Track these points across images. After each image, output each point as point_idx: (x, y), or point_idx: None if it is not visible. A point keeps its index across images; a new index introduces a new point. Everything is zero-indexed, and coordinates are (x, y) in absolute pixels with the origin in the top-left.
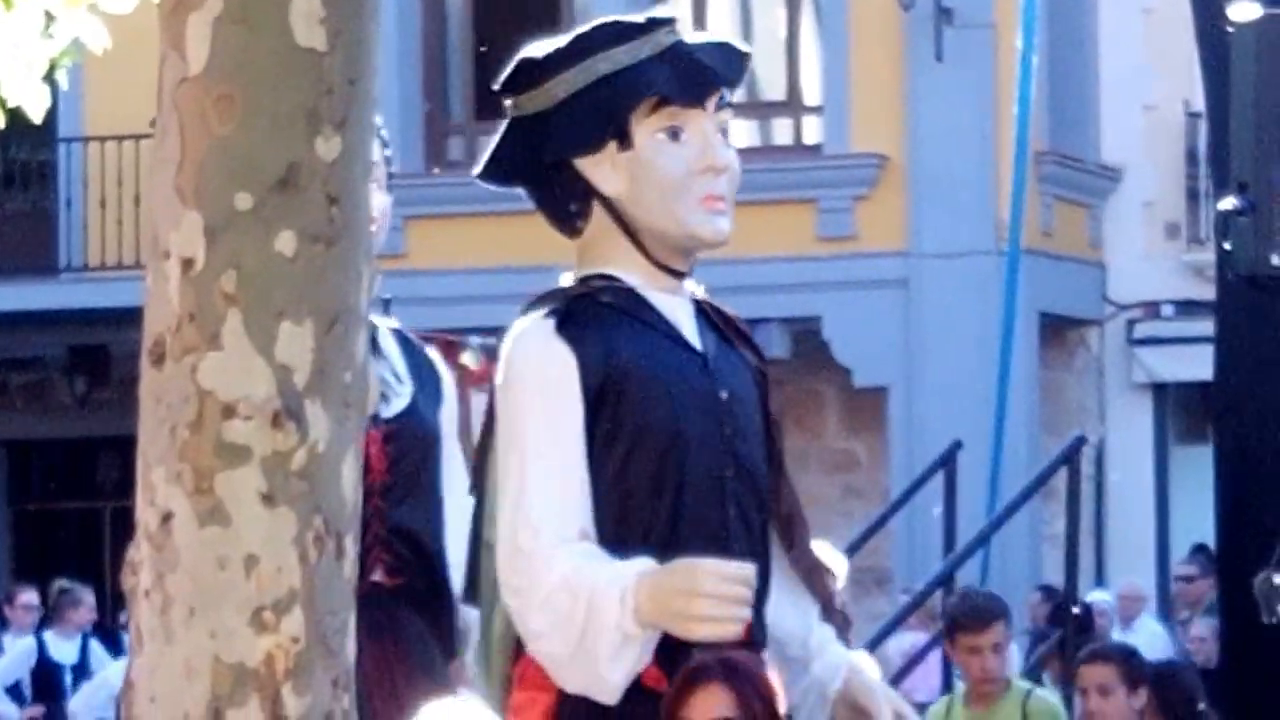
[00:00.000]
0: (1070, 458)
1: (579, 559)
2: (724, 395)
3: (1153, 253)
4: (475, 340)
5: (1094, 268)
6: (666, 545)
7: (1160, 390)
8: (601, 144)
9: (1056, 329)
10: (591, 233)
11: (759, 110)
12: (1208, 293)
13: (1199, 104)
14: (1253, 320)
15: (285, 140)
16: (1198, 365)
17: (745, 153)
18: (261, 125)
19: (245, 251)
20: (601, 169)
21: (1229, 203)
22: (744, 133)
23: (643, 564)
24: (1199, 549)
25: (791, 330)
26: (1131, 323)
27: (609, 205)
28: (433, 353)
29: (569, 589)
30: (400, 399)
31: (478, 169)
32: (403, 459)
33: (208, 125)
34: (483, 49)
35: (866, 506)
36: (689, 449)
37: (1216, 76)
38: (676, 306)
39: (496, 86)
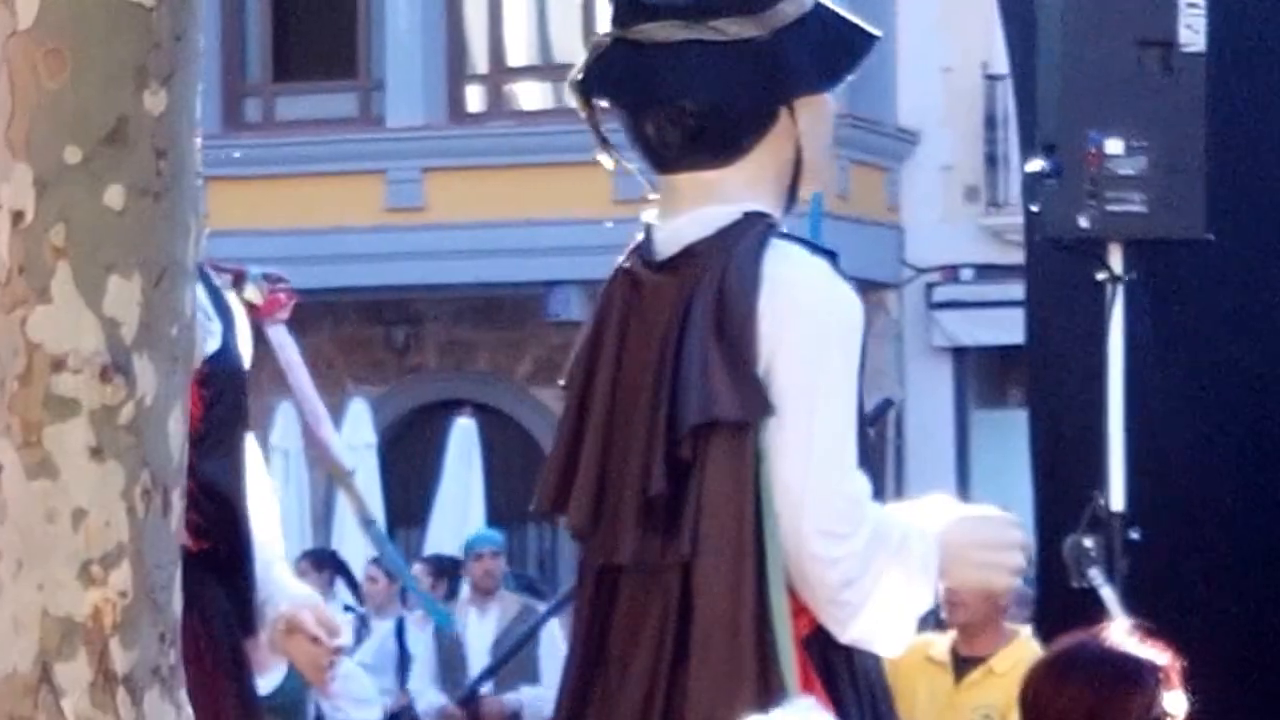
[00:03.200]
0: (874, 420)
1: (881, 509)
2: None
3: (951, 216)
4: (255, 271)
5: (892, 231)
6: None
7: (960, 354)
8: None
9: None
10: (744, 169)
11: (556, 72)
12: (1006, 256)
13: (996, 67)
14: (1062, 283)
15: (114, 95)
16: (997, 329)
17: (542, 115)
18: (91, 80)
19: (75, 205)
20: (811, 107)
21: (1036, 165)
22: (541, 95)
23: (930, 516)
24: None
25: (589, 292)
26: (930, 286)
27: (795, 145)
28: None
29: (881, 538)
30: (213, 338)
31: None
32: (217, 404)
33: (37, 79)
34: (281, 11)
35: None
36: None
37: (1021, 39)
38: None
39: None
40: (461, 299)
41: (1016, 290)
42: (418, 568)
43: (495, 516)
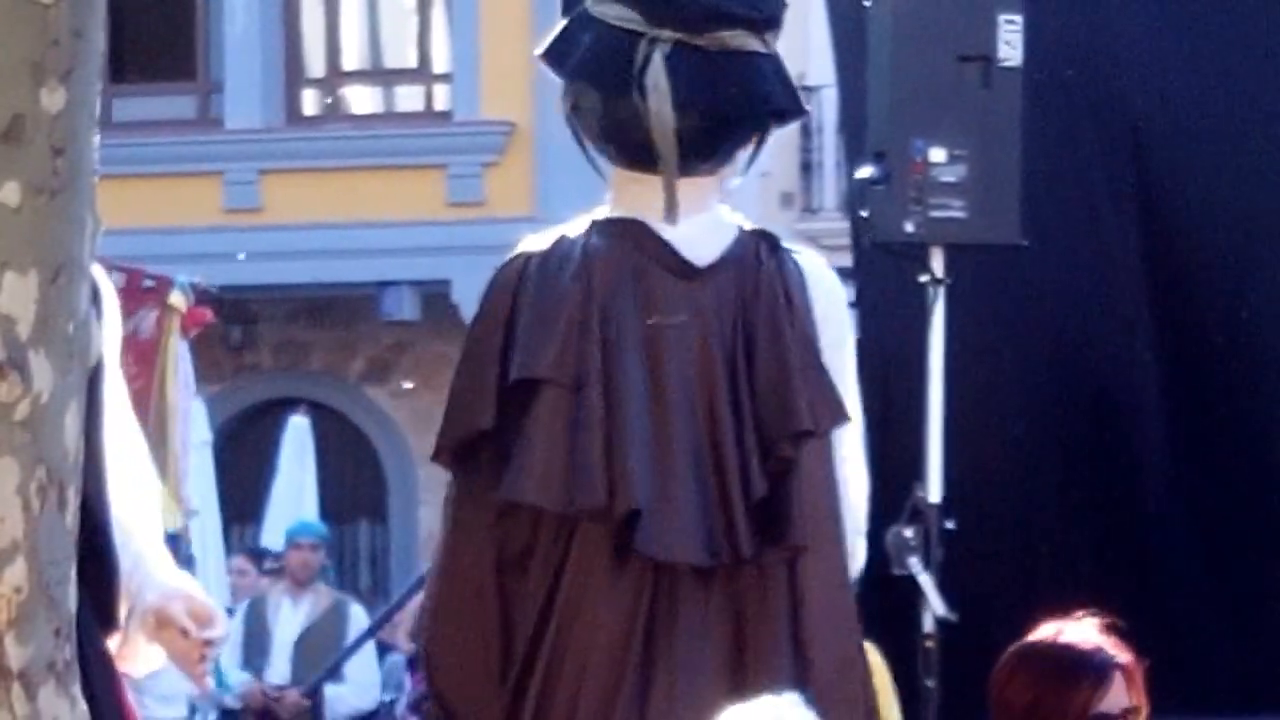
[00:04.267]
0: None
1: None
2: None
3: (767, 221)
4: (183, 279)
5: None
6: None
7: None
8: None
9: None
10: (724, 176)
11: (389, 77)
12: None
13: (812, 78)
14: (890, 284)
15: (10, 91)
16: None
17: (376, 119)
18: None
19: None
20: None
21: (865, 172)
22: (374, 100)
23: None
24: None
25: (422, 293)
26: None
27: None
28: (96, 270)
29: None
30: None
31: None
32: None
33: None
34: (118, 14)
35: None
36: None
37: (849, 50)
38: None
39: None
40: (297, 299)
41: None
42: (240, 560)
43: (328, 513)
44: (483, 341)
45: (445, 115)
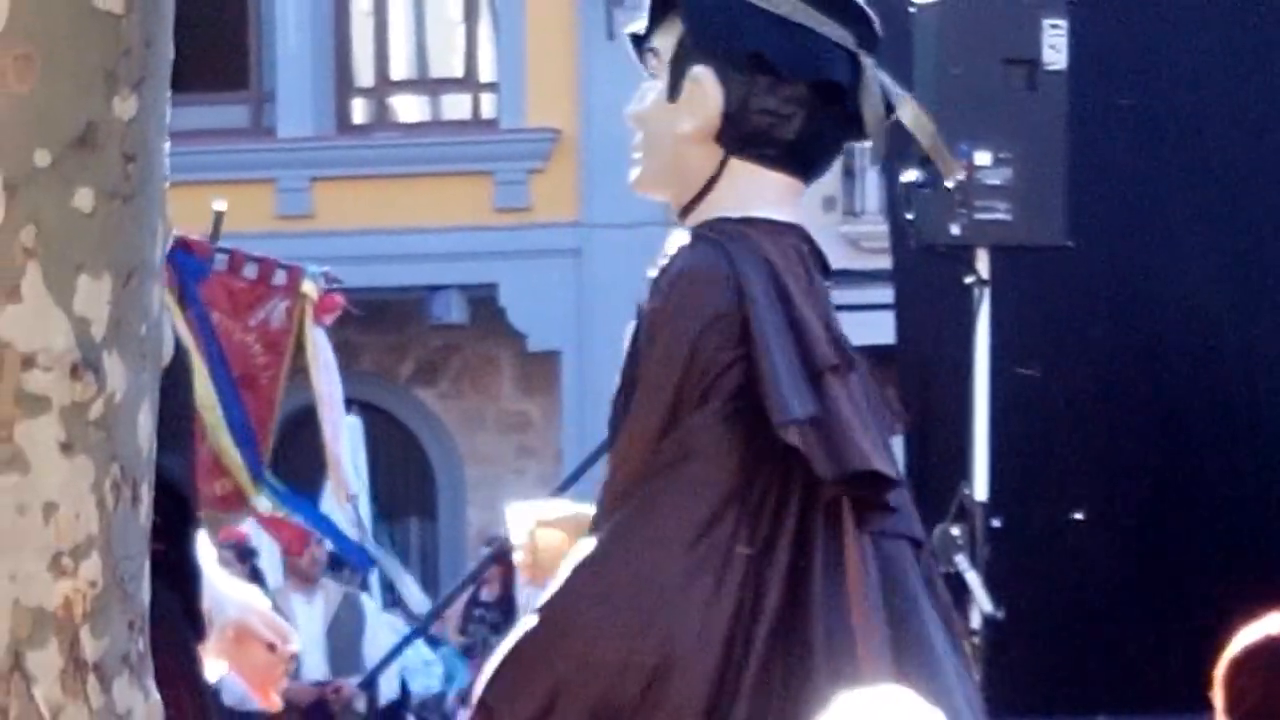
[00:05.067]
0: None
1: None
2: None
3: (810, 225)
4: (314, 268)
5: None
6: None
7: None
8: None
9: None
10: None
11: (436, 86)
12: (860, 262)
13: None
14: (931, 288)
15: (83, 99)
16: (855, 331)
17: (424, 127)
18: (60, 84)
19: (44, 207)
20: None
21: (911, 175)
22: (422, 108)
23: None
24: None
25: (469, 297)
26: None
27: None
28: None
29: None
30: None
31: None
32: (172, 394)
33: (7, 84)
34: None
35: (539, 465)
36: None
37: (893, 56)
38: None
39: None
40: (348, 302)
41: (873, 295)
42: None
43: (379, 509)
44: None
45: (491, 123)
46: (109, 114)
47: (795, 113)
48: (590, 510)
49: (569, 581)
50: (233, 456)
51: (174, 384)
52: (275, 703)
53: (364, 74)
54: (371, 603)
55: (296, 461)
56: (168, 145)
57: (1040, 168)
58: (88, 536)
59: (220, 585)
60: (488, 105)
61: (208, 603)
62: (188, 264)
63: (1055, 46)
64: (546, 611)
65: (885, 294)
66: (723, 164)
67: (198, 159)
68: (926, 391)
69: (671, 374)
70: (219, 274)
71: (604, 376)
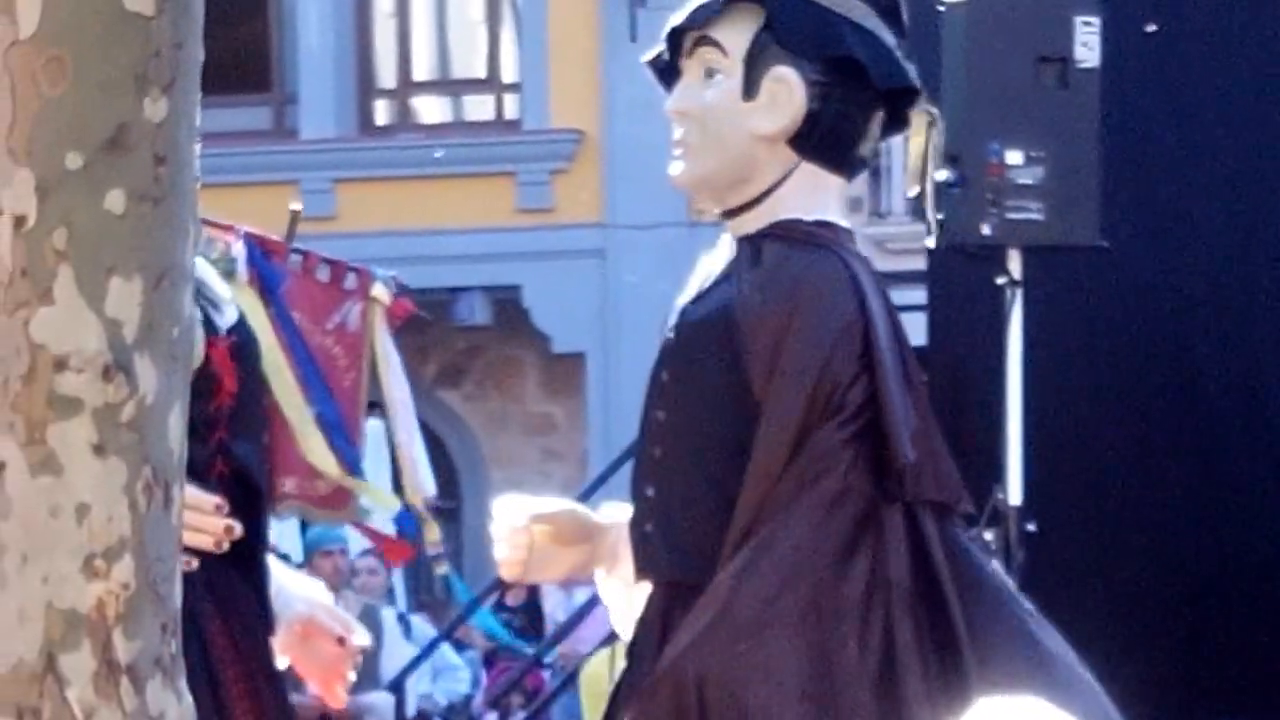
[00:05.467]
0: None
1: None
2: (667, 340)
3: None
4: (383, 273)
5: None
6: None
7: None
8: None
9: None
10: None
11: (459, 87)
12: (889, 264)
13: None
14: (962, 288)
15: (114, 102)
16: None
17: (446, 128)
18: (91, 87)
19: (76, 209)
20: None
21: (941, 175)
22: (444, 109)
23: None
24: None
25: (493, 299)
26: None
27: None
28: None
29: None
30: (230, 305)
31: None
32: (248, 378)
33: (38, 87)
34: None
35: (564, 468)
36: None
37: (923, 52)
38: (718, 255)
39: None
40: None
41: (899, 296)
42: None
43: (403, 513)
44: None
45: (514, 124)
46: (140, 116)
47: (865, 118)
48: (584, 511)
49: (713, 635)
50: (323, 456)
51: (247, 372)
52: (341, 698)
53: (386, 75)
54: (391, 617)
55: None
56: (198, 147)
57: (1073, 167)
58: (120, 538)
59: (284, 579)
60: (510, 106)
61: (272, 592)
62: (266, 265)
63: (1087, 44)
64: (698, 667)
65: (912, 295)
66: (792, 166)
67: (219, 161)
68: (958, 394)
69: (805, 385)
70: (295, 275)
71: (629, 378)
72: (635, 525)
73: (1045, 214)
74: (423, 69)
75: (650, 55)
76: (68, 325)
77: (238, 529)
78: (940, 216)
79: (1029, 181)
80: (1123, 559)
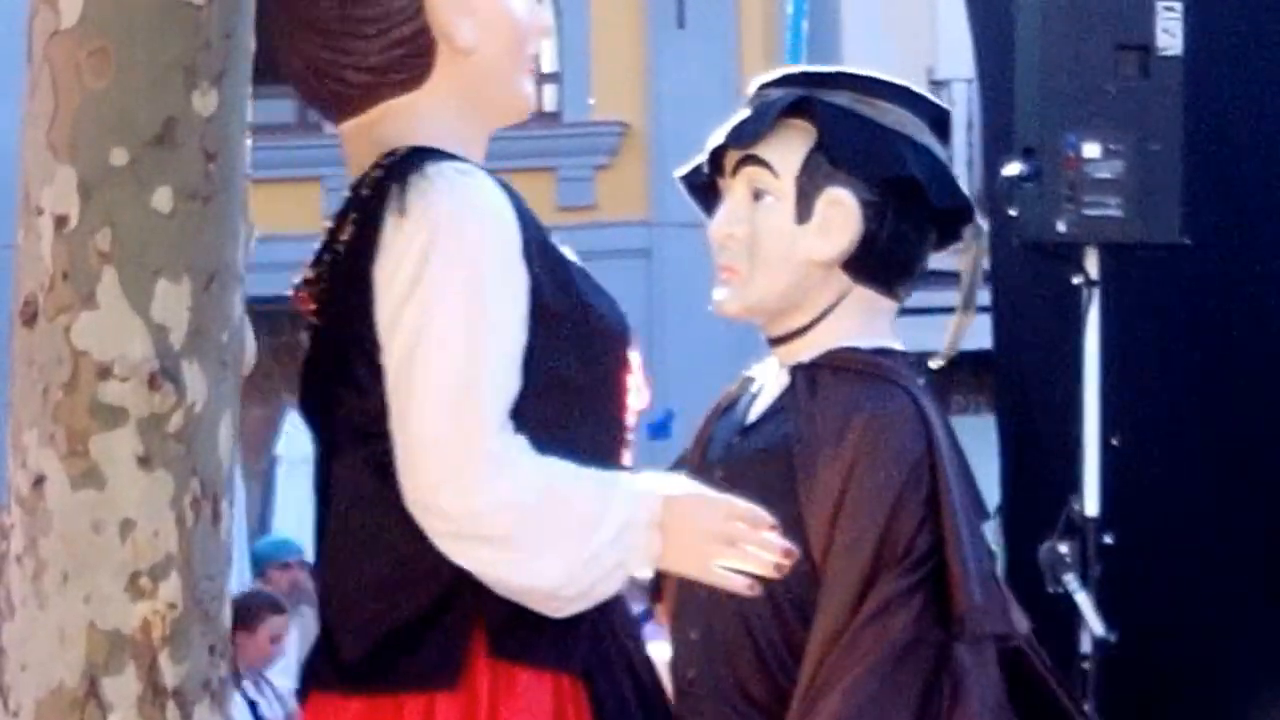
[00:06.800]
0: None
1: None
2: (710, 470)
3: None
4: None
5: None
6: None
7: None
8: None
9: None
10: None
11: None
12: (947, 261)
13: (941, 72)
14: (1032, 288)
15: (162, 95)
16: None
17: None
18: (137, 79)
19: (121, 208)
20: None
21: (1014, 169)
22: None
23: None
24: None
25: None
26: None
27: None
28: None
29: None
30: None
31: None
32: None
33: (81, 79)
34: None
35: None
36: None
37: (992, 43)
38: (763, 377)
39: None
40: None
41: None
42: None
43: None
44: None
45: (554, 116)
46: (188, 110)
47: (921, 238)
48: None
49: None
50: None
51: None
52: None
53: None
54: None
55: None
56: (249, 142)
57: (1154, 161)
58: (166, 555)
59: None
60: (550, 97)
61: None
62: None
63: (1170, 30)
64: None
65: (980, 297)
66: (845, 290)
67: None
68: (1027, 400)
69: (874, 531)
70: None
71: (678, 379)
72: (676, 669)
73: (1124, 210)
74: None
75: (685, 170)
76: (112, 331)
77: (796, 553)
78: (1013, 212)
79: (1107, 176)
80: (1208, 573)
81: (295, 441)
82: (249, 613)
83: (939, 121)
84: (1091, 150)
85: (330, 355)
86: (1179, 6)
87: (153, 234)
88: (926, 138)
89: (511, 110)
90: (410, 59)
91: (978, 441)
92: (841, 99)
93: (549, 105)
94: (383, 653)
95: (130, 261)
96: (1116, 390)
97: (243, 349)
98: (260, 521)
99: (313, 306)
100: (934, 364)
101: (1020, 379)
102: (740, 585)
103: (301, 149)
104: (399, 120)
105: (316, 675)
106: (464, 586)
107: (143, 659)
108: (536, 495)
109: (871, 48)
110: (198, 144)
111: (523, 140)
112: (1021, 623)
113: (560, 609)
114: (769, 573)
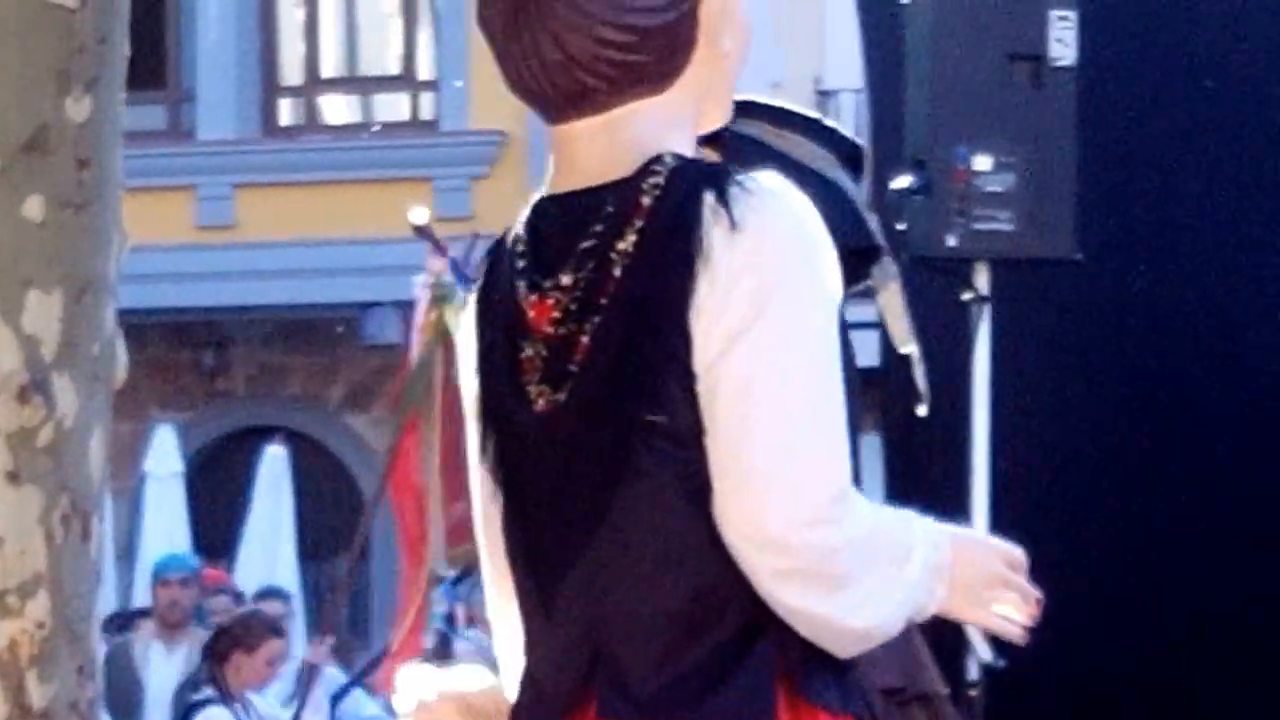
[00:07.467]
0: None
1: None
2: None
3: None
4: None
5: None
6: None
7: None
8: None
9: None
10: None
11: (370, 85)
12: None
13: (830, 82)
14: (923, 305)
15: (34, 101)
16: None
17: (356, 129)
18: (7, 85)
19: None
20: None
21: (903, 181)
22: (354, 109)
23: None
24: None
25: (407, 315)
26: None
27: None
28: None
29: None
30: None
31: None
32: None
33: None
34: None
35: None
36: None
37: (881, 53)
38: None
39: None
40: (273, 320)
41: (850, 312)
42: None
43: (306, 549)
44: None
45: (431, 125)
46: (61, 116)
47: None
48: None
49: None
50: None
51: None
52: None
53: (291, 72)
54: None
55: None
56: (122, 150)
57: (1047, 173)
58: (35, 573)
59: None
60: (426, 106)
61: None
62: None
63: (1064, 40)
64: None
65: (867, 311)
66: None
67: None
68: (915, 419)
69: None
70: None
71: None
72: None
73: (1016, 224)
74: (331, 65)
75: None
76: None
77: (1043, 599)
78: (901, 227)
79: (998, 189)
80: (1099, 597)
81: (165, 458)
82: (250, 634)
83: (852, 158)
84: (983, 163)
85: (621, 368)
86: (1073, 16)
87: (24, 243)
88: (837, 173)
89: (718, 118)
90: (672, 54)
91: (863, 461)
92: (753, 130)
93: (425, 114)
94: (683, 686)
95: (1, 271)
96: (1007, 410)
97: (114, 362)
98: (128, 540)
99: (556, 315)
100: (920, 411)
101: (907, 398)
102: (1017, 633)
103: (174, 156)
104: (649, 122)
105: (604, 702)
106: (766, 622)
107: (10, 679)
108: (867, 534)
109: (759, 56)
110: (70, 151)
111: (399, 150)
112: None
113: (850, 650)
114: (1030, 620)
